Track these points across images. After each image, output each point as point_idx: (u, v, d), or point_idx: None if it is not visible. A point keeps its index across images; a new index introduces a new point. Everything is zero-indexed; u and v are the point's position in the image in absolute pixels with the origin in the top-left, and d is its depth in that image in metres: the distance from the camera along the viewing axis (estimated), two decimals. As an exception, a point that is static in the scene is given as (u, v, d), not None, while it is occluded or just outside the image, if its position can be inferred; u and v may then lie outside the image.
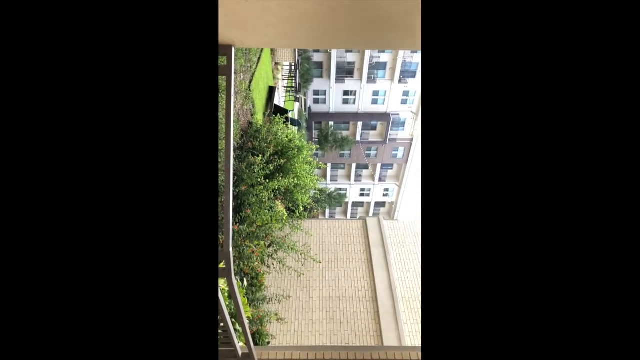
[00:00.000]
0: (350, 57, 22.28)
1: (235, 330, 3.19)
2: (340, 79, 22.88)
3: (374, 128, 25.06)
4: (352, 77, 22.89)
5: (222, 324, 2.73)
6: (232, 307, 3.49)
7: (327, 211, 26.20)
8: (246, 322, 2.85)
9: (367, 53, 21.60)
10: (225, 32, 1.80)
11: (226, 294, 3.50)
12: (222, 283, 3.41)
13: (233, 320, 3.47)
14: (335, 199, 20.78)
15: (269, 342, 6.66)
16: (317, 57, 21.85)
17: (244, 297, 5.06)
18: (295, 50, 13.74)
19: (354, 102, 23.90)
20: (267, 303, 7.08)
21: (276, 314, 7.08)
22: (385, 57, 22.32)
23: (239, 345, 3.11)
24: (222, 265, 2.26)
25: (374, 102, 23.88)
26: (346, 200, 27.27)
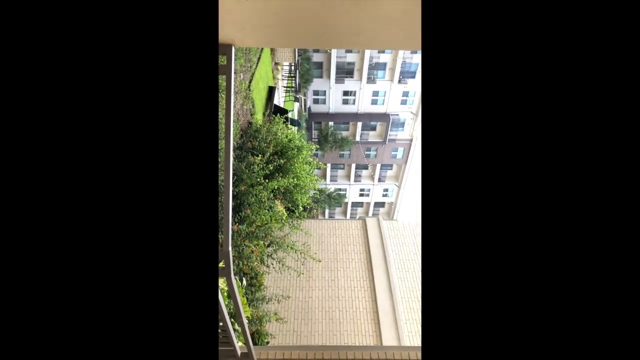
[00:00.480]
0: (350, 58, 22.27)
1: (234, 330, 3.19)
2: (340, 79, 22.88)
3: (373, 128, 25.06)
4: (351, 77, 22.89)
5: (221, 324, 2.73)
6: (231, 307, 3.49)
7: (327, 211, 26.20)
8: (245, 321, 2.85)
9: (367, 53, 21.59)
10: (225, 32, 1.80)
11: (225, 294, 3.49)
12: (221, 283, 3.41)
13: (232, 320, 3.47)
14: (335, 199, 20.77)
15: (268, 342, 6.65)
16: (316, 57, 21.84)
17: (243, 296, 5.06)
18: (295, 50, 13.73)
19: (354, 103, 23.90)
20: (267, 303, 7.07)
21: (275, 314, 7.07)
22: (385, 58, 22.33)
23: (238, 344, 3.11)
24: (221, 264, 2.26)
25: (374, 102, 23.89)
26: (346, 200, 27.27)
